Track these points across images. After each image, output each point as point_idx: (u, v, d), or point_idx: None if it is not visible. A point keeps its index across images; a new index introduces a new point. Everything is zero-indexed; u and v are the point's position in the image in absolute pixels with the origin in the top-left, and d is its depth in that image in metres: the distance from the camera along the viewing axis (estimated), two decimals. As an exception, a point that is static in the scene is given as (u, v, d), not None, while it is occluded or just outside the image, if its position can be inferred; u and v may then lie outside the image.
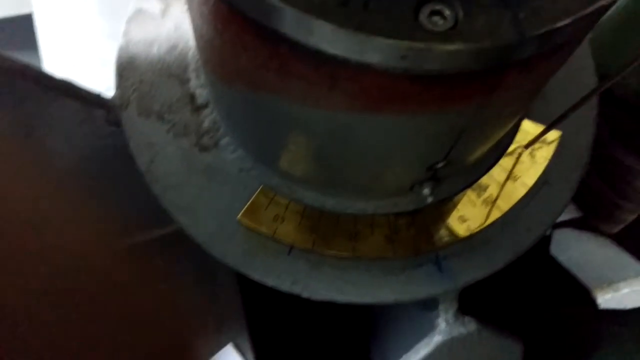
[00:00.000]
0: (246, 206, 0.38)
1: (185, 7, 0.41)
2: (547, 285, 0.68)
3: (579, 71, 0.45)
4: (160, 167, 0.39)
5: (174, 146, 0.39)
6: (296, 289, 0.38)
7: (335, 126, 0.28)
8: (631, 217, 0.70)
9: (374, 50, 0.21)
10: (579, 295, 0.65)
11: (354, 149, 0.30)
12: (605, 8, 0.23)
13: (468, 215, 0.40)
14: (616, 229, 0.72)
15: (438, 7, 0.21)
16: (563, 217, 0.74)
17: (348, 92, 0.24)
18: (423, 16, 0.21)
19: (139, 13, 0.42)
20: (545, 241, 0.75)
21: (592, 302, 0.64)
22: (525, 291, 0.66)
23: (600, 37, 0.61)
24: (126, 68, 0.41)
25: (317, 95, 0.25)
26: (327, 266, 0.38)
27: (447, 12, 0.21)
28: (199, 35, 0.30)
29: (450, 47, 0.20)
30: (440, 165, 0.33)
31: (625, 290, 0.66)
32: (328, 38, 0.21)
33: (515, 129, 0.41)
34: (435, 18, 0.21)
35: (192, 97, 0.40)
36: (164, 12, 0.42)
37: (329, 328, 0.63)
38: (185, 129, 0.40)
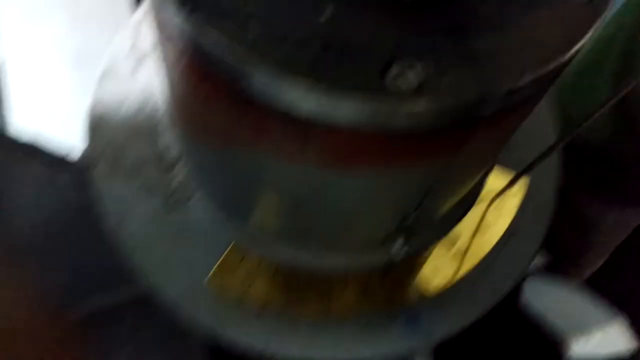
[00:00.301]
0: (216, 265, 0.38)
1: (156, 65, 0.41)
2: (517, 336, 0.68)
3: (542, 118, 0.46)
4: (129, 227, 0.38)
5: (144, 205, 0.39)
6: (270, 350, 0.37)
7: (307, 181, 0.28)
8: (600, 261, 0.71)
9: (342, 110, 0.21)
10: (548, 347, 0.65)
11: (325, 203, 0.30)
12: (566, 63, 0.24)
13: (440, 267, 0.40)
14: (586, 273, 0.73)
15: (404, 66, 0.22)
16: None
17: (319, 149, 0.24)
18: (390, 76, 0.21)
19: (109, 72, 0.42)
20: (514, 291, 0.75)
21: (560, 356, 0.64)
22: (495, 342, 0.66)
23: (563, 83, 0.64)
24: (96, 127, 0.40)
25: (288, 152, 0.25)
26: (301, 325, 0.37)
27: (413, 72, 0.21)
28: (170, 93, 0.30)
29: (416, 106, 0.21)
30: (410, 218, 0.33)
31: (598, 336, 0.66)
32: (296, 96, 0.21)
33: (483, 180, 0.42)
34: (402, 78, 0.21)
35: (162, 156, 0.40)
36: (134, 71, 0.42)
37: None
38: (155, 187, 0.39)
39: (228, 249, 0.38)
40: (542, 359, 0.65)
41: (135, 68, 0.42)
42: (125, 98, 0.41)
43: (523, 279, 0.74)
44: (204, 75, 0.24)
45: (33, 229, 0.48)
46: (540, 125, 0.45)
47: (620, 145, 0.55)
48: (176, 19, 0.22)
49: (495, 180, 0.42)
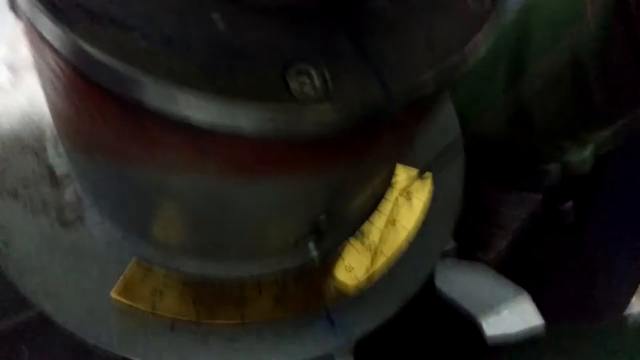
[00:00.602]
0: (118, 282, 0.35)
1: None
2: (437, 321, 0.70)
3: (443, 114, 0.47)
4: (16, 250, 0.35)
5: (31, 224, 0.36)
6: (183, 366, 0.35)
7: (208, 192, 0.26)
8: (503, 243, 0.75)
9: (240, 116, 0.20)
10: (466, 328, 0.67)
11: (229, 212, 0.29)
12: (464, 62, 0.24)
13: (354, 264, 0.39)
14: (491, 255, 0.76)
15: (304, 70, 0.21)
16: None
17: (218, 158, 0.23)
18: (290, 80, 0.20)
19: (-18, 83, 0.38)
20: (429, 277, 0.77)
21: (479, 335, 0.66)
22: (416, 329, 0.67)
23: (459, 83, 0.66)
24: (-29, 143, 0.36)
25: (186, 164, 0.24)
26: (215, 337, 0.36)
27: (313, 75, 0.20)
28: (52, 107, 0.28)
29: (318, 109, 0.20)
30: (321, 219, 0.32)
31: (505, 312, 0.69)
32: (192, 106, 0.20)
33: (391, 175, 0.43)
34: (303, 81, 0.20)
35: (51, 169, 0.37)
36: (14, 83, 0.38)
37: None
38: (43, 204, 0.36)
39: (130, 265, 0.36)
40: (464, 341, 0.67)
41: (15, 79, 0.38)
42: (5, 111, 0.37)
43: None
44: (90, 88, 0.21)
45: None
46: (442, 122, 0.46)
47: (513, 135, 0.58)
48: (53, 33, 0.19)
49: (402, 174, 0.43)
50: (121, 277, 0.35)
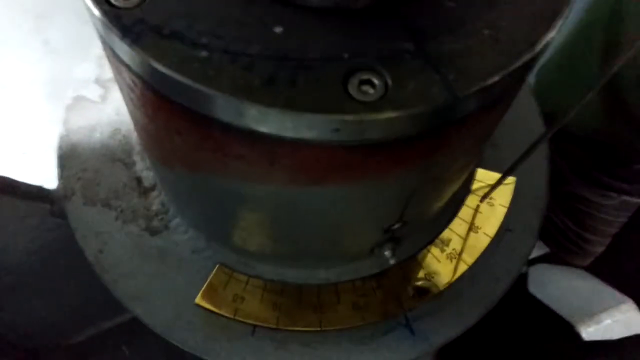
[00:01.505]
0: (203, 288, 0.36)
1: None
2: (529, 324, 0.67)
3: (526, 114, 0.45)
4: (109, 257, 0.37)
5: (123, 233, 0.38)
6: (264, 371, 0.36)
7: (282, 200, 0.27)
8: (600, 249, 0.70)
9: (305, 127, 0.20)
10: (562, 330, 0.63)
11: (304, 220, 0.29)
12: (534, 59, 0.23)
13: (434, 272, 0.39)
14: (587, 262, 0.71)
15: (366, 76, 0.20)
16: (534, 255, 0.74)
17: (288, 167, 0.23)
18: (352, 87, 0.20)
19: (78, 100, 0.41)
20: (522, 279, 0.74)
21: (576, 336, 0.63)
22: (507, 332, 0.65)
23: (545, 77, 0.63)
24: (68, 157, 0.39)
25: (257, 173, 0.24)
26: (294, 343, 0.36)
27: (376, 81, 0.20)
28: (134, 120, 0.29)
29: (382, 116, 0.20)
30: (396, 226, 0.32)
31: (608, 322, 0.65)
32: (257, 118, 0.20)
33: (470, 179, 0.41)
34: (365, 87, 0.20)
35: (139, 181, 0.39)
36: (104, 97, 0.41)
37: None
38: (133, 214, 0.38)
39: (214, 271, 0.37)
40: (557, 341, 0.64)
41: (105, 94, 0.41)
42: (96, 125, 0.40)
43: (528, 266, 0.73)
44: (161, 102, 0.22)
45: (17, 265, 0.47)
46: (525, 123, 0.44)
47: (613, 130, 0.54)
48: (122, 49, 0.21)
49: (484, 179, 0.41)
50: (205, 284, 0.37)
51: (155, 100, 0.23)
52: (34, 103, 0.56)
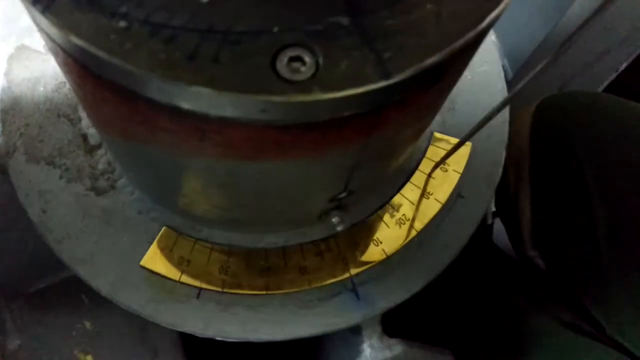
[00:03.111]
0: (148, 250, 0.36)
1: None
2: (493, 275, 0.68)
3: (488, 80, 0.44)
4: (53, 217, 0.36)
5: (67, 192, 0.37)
6: (209, 333, 0.36)
7: (219, 172, 0.26)
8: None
9: (230, 106, 0.19)
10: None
11: (244, 190, 0.28)
12: (479, 38, 0.22)
13: (382, 238, 0.39)
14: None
15: (297, 52, 0.19)
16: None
17: (217, 144, 0.22)
18: (281, 64, 0.19)
19: (21, 49, 0.39)
20: (487, 231, 0.75)
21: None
22: (471, 284, 0.66)
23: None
24: (10, 111, 0.38)
25: (188, 147, 0.24)
26: (240, 306, 0.36)
27: (306, 58, 0.19)
28: (68, 83, 0.28)
29: (311, 97, 0.19)
30: (342, 195, 0.32)
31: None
32: (179, 96, 0.19)
33: (426, 144, 0.41)
34: (295, 64, 0.19)
35: (85, 138, 0.38)
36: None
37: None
38: (78, 172, 0.37)
39: (160, 233, 0.37)
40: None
41: (48, 44, 0.39)
42: (40, 77, 0.38)
43: (494, 218, 0.74)
44: (83, 72, 0.21)
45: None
46: (487, 88, 0.43)
47: None
48: (35, 14, 0.19)
49: (440, 144, 0.41)
50: (150, 246, 0.36)
51: (78, 69, 0.21)
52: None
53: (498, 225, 0.73)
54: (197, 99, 0.19)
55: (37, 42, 0.39)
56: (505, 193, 0.56)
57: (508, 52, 0.84)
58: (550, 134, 0.54)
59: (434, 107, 0.28)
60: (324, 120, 0.21)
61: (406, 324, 0.46)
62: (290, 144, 0.22)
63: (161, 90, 0.19)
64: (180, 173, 0.28)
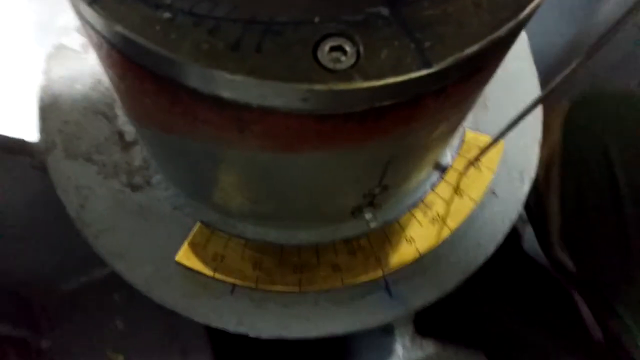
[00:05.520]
0: (183, 246, 0.36)
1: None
2: (523, 282, 0.67)
3: (521, 77, 0.44)
4: (91, 212, 0.37)
5: (104, 188, 0.38)
6: (242, 329, 0.36)
7: (257, 164, 0.26)
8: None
9: (272, 95, 0.20)
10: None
11: (279, 183, 0.28)
12: (519, 28, 0.22)
13: (415, 236, 0.38)
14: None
15: (338, 42, 0.19)
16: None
17: (257, 134, 0.23)
18: (322, 54, 0.19)
19: (59, 49, 0.40)
20: (517, 238, 0.74)
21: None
22: (501, 290, 0.65)
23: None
24: (49, 109, 0.39)
25: (228, 138, 0.24)
26: (273, 303, 0.37)
27: (347, 48, 0.19)
28: (108, 78, 0.28)
29: (352, 86, 0.19)
30: (376, 191, 0.32)
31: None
32: (222, 85, 0.20)
33: (458, 142, 0.41)
34: (336, 54, 0.19)
35: (121, 135, 0.38)
36: (87, 46, 0.40)
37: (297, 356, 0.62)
38: (115, 169, 0.38)
39: (195, 228, 0.37)
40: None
41: (86, 44, 0.39)
42: (78, 76, 0.39)
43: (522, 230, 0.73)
44: (127, 63, 0.22)
45: (5, 216, 0.47)
46: (519, 86, 0.43)
47: None
48: (82, 6, 0.20)
49: (473, 142, 0.40)
50: (185, 242, 0.37)
51: (122, 61, 0.22)
52: (22, 48, 0.54)
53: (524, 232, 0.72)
54: (240, 88, 0.19)
55: (75, 41, 0.40)
56: (533, 192, 0.55)
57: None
58: (582, 133, 0.53)
59: (472, 98, 0.27)
60: (364, 110, 0.21)
61: (438, 324, 0.46)
62: (330, 135, 0.22)
63: (204, 79, 0.20)
64: (217, 166, 0.28)
